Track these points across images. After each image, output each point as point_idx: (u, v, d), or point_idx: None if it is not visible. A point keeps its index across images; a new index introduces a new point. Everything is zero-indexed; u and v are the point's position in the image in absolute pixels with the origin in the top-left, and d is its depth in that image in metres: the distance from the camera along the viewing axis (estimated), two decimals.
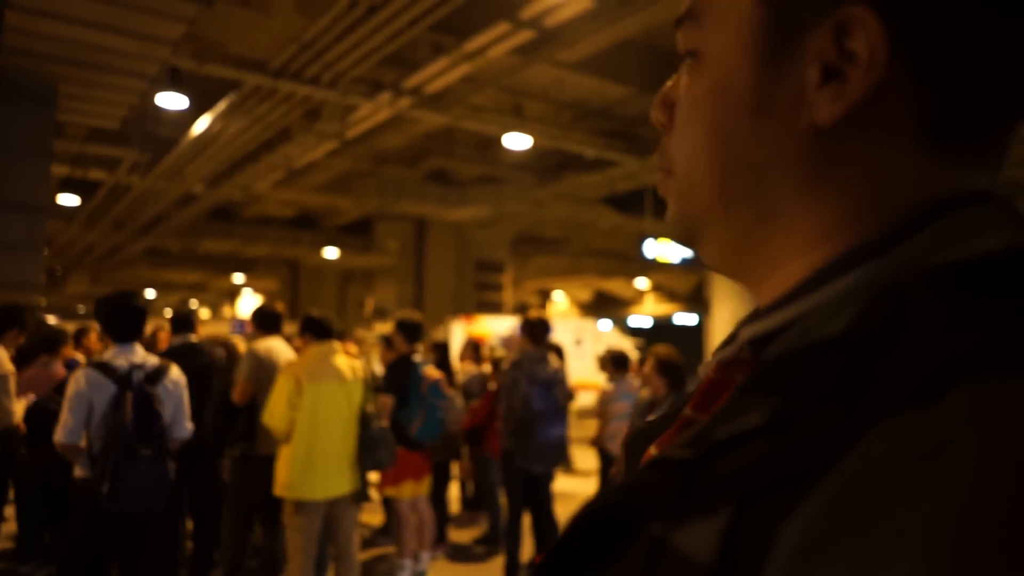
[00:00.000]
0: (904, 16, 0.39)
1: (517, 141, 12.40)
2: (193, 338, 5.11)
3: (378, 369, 6.90)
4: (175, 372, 3.89)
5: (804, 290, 0.42)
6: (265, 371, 4.67)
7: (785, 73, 0.43)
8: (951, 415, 0.28)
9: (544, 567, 0.41)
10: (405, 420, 5.12)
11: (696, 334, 32.97)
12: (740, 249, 0.48)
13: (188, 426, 3.94)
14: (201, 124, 11.48)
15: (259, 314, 5.07)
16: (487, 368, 7.17)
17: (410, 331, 5.39)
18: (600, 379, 8.63)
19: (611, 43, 9.45)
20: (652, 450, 0.51)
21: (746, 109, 0.44)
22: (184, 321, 5.14)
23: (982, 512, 0.25)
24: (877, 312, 0.34)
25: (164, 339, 6.82)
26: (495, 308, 18.89)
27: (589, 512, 0.41)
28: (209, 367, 4.98)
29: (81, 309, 35.14)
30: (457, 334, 12.08)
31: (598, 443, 6.57)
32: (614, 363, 6.77)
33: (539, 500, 5.11)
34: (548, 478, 5.13)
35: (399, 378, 5.20)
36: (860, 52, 0.40)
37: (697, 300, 27.72)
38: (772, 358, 0.39)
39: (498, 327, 13.46)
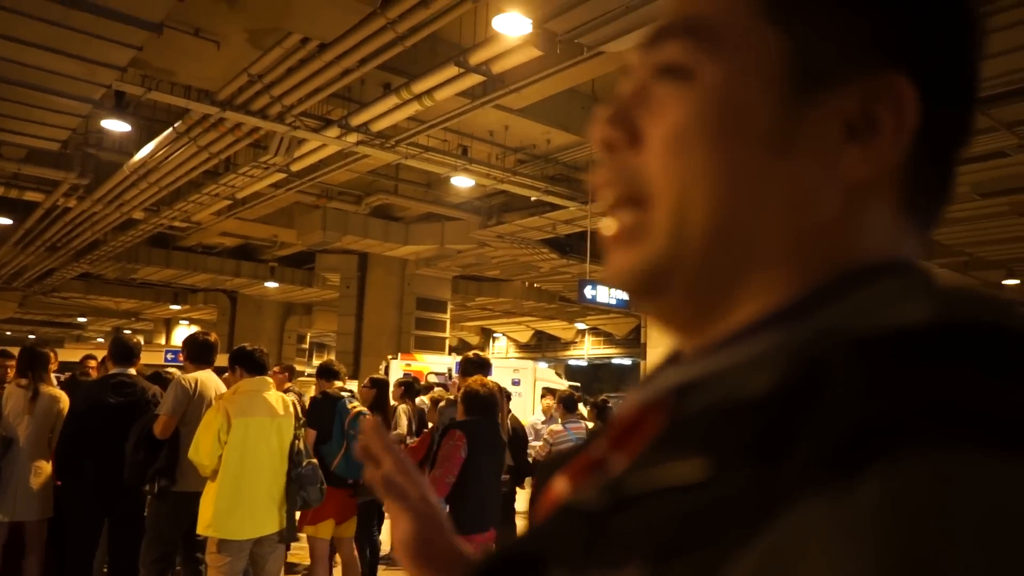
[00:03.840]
0: (936, 91, 0.41)
1: (462, 181, 12.56)
2: (132, 371, 5.01)
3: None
4: None
5: (732, 342, 0.41)
6: (192, 404, 4.56)
7: (807, 118, 0.42)
8: (868, 497, 0.27)
9: None
10: (327, 455, 5.11)
11: (633, 375, 33.37)
12: (706, 299, 0.44)
13: None
14: (144, 150, 11.34)
15: (191, 344, 4.90)
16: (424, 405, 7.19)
17: (328, 375, 5.66)
18: (536, 419, 8.72)
19: (557, 91, 9.69)
20: (559, 480, 0.48)
21: (764, 147, 0.42)
22: (126, 352, 5.02)
23: None
24: (796, 377, 0.33)
25: (94, 366, 6.67)
26: (436, 346, 18.84)
27: (496, 557, 0.41)
28: (146, 403, 4.89)
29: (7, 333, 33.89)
30: (396, 371, 12.02)
31: None
32: (564, 405, 6.93)
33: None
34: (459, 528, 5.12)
35: (322, 412, 5.25)
36: (888, 122, 0.41)
37: (634, 343, 28.09)
38: (693, 411, 0.37)
39: (436, 365, 13.45)
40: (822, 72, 0.42)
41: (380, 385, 6.58)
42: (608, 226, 0.47)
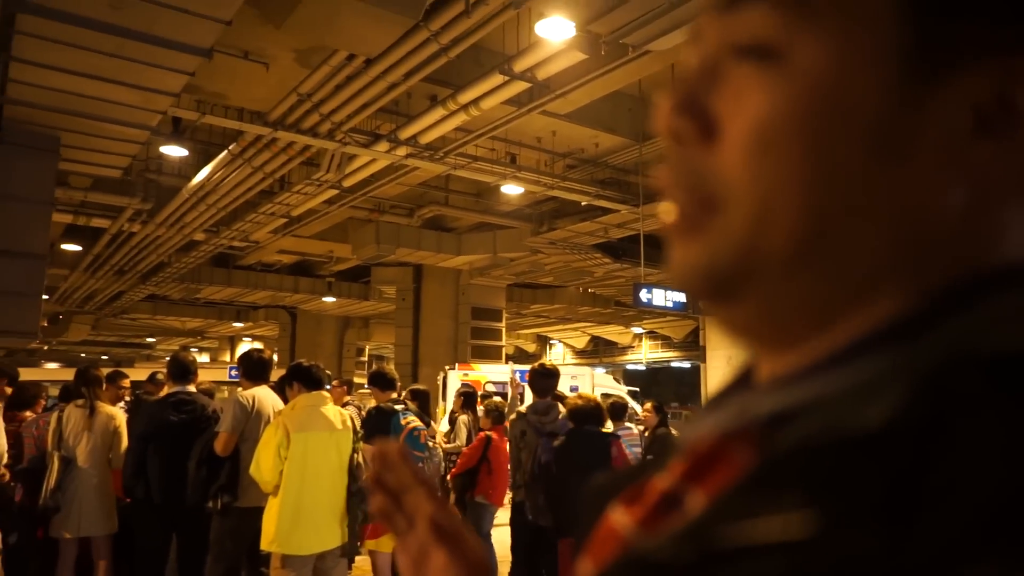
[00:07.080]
0: None
1: (512, 188, 12.57)
2: (191, 388, 5.10)
3: None
4: None
5: (833, 362, 0.35)
6: (250, 421, 4.62)
7: (926, 108, 0.34)
8: None
9: None
10: None
11: (692, 378, 32.82)
12: (791, 313, 0.37)
13: None
14: (202, 173, 11.63)
15: (246, 361, 4.96)
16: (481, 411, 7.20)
17: (381, 383, 5.45)
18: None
19: (603, 94, 9.63)
20: (618, 511, 0.43)
21: (873, 146, 0.35)
22: (183, 370, 5.11)
23: None
24: (920, 409, 0.28)
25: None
26: (492, 354, 18.85)
27: None
28: (207, 419, 4.97)
29: (83, 355, 35.10)
30: (453, 382, 12.06)
31: None
32: (612, 412, 6.87)
33: (547, 553, 5.05)
34: (557, 532, 4.92)
35: (376, 428, 5.17)
36: None
37: (692, 346, 27.70)
38: (789, 447, 0.31)
39: (494, 374, 13.45)
40: (948, 48, 0.34)
41: (421, 396, 6.52)
42: (670, 212, 0.40)
